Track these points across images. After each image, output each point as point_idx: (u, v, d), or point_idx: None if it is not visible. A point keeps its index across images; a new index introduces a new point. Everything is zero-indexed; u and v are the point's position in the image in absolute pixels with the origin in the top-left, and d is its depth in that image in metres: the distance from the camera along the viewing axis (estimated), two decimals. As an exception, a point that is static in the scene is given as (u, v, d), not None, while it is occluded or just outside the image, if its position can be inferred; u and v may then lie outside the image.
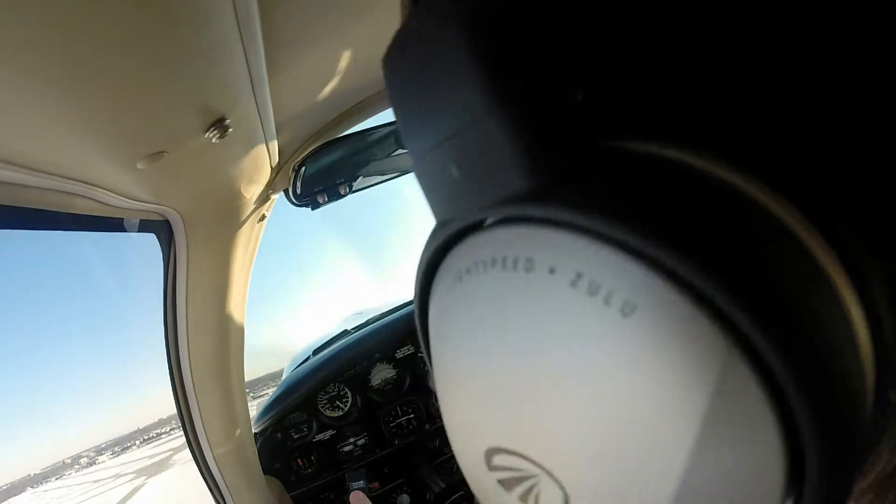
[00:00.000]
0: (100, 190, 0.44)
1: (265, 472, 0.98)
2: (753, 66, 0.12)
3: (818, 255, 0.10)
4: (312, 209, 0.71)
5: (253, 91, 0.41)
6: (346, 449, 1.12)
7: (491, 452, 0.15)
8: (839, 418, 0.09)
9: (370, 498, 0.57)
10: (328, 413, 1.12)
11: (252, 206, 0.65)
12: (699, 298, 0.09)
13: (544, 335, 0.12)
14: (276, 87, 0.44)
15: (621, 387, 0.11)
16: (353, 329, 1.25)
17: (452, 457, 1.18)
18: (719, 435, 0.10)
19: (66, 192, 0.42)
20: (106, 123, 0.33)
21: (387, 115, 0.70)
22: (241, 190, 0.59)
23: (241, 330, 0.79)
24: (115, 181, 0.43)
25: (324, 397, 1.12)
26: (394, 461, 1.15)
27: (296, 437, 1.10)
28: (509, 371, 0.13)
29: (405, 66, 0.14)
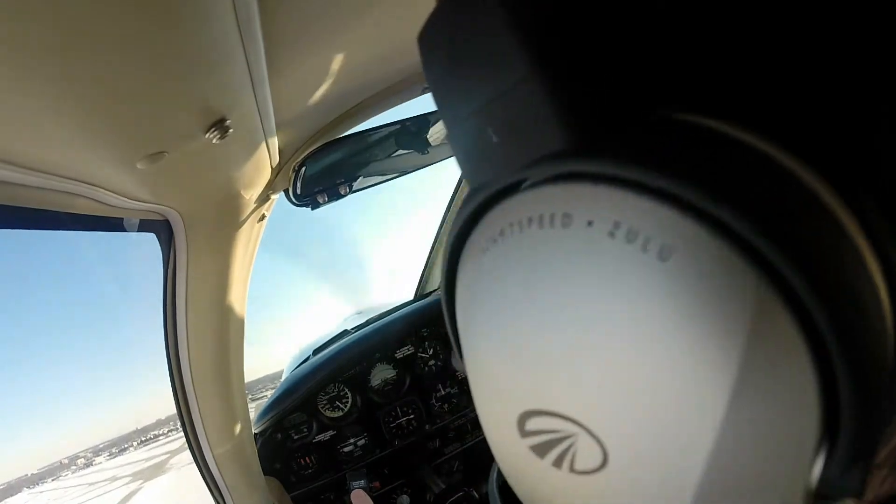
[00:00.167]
0: (100, 190, 0.44)
1: (265, 473, 0.98)
2: (780, 47, 0.12)
3: (841, 215, 0.10)
4: (312, 209, 0.71)
5: (253, 91, 0.41)
6: (346, 449, 1.12)
7: (525, 417, 0.15)
8: (872, 359, 0.10)
9: (371, 498, 0.57)
10: (328, 413, 1.12)
11: (252, 206, 0.65)
12: (735, 239, 0.10)
13: (582, 288, 0.12)
14: (276, 87, 0.44)
15: (659, 332, 0.11)
16: (353, 329, 1.25)
17: (452, 457, 1.19)
18: (756, 378, 0.10)
19: (66, 192, 0.42)
20: (106, 123, 0.33)
21: (387, 116, 0.70)
22: (241, 190, 0.59)
23: (241, 330, 0.79)
24: (115, 181, 0.43)
25: (324, 398, 1.12)
26: (394, 462, 1.15)
27: (296, 437, 1.10)
28: (546, 329, 0.13)
29: (444, 39, 0.15)
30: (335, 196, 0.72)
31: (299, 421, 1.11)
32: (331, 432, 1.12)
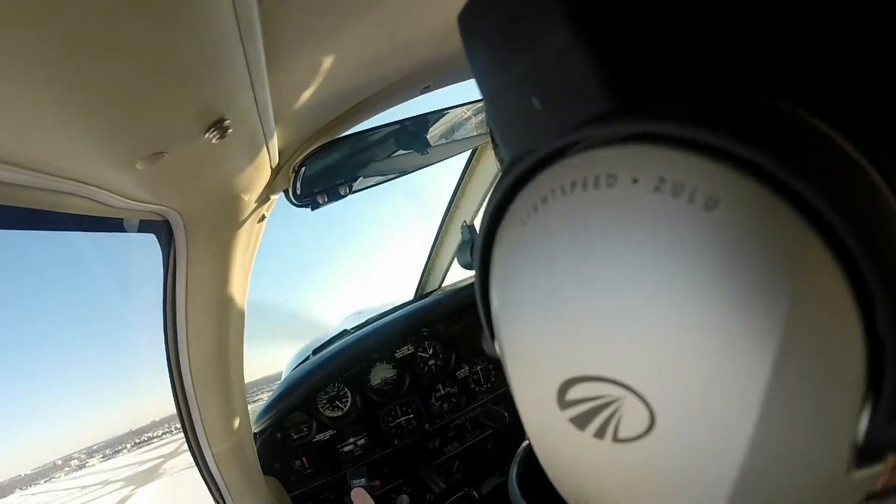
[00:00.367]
0: (100, 190, 0.44)
1: (265, 473, 0.98)
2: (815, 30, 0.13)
3: (873, 173, 0.11)
4: (312, 209, 0.71)
5: (253, 91, 0.41)
6: (346, 449, 1.12)
7: (566, 386, 0.15)
8: None
9: (371, 497, 0.57)
10: (328, 413, 1.12)
11: (252, 207, 0.65)
12: (779, 187, 0.10)
13: (629, 245, 0.12)
14: (275, 86, 0.44)
15: (706, 284, 0.11)
16: (353, 329, 1.25)
17: (452, 457, 1.19)
18: (801, 328, 0.10)
19: (66, 193, 0.42)
20: (106, 124, 0.33)
21: (387, 116, 0.70)
22: (241, 190, 0.59)
23: (241, 330, 0.79)
24: (114, 181, 0.43)
25: (323, 397, 1.12)
26: (393, 461, 1.15)
27: (295, 437, 1.10)
28: (591, 291, 0.13)
29: (487, 15, 0.15)
30: (335, 196, 0.72)
31: (299, 420, 1.11)
32: (330, 432, 1.12)
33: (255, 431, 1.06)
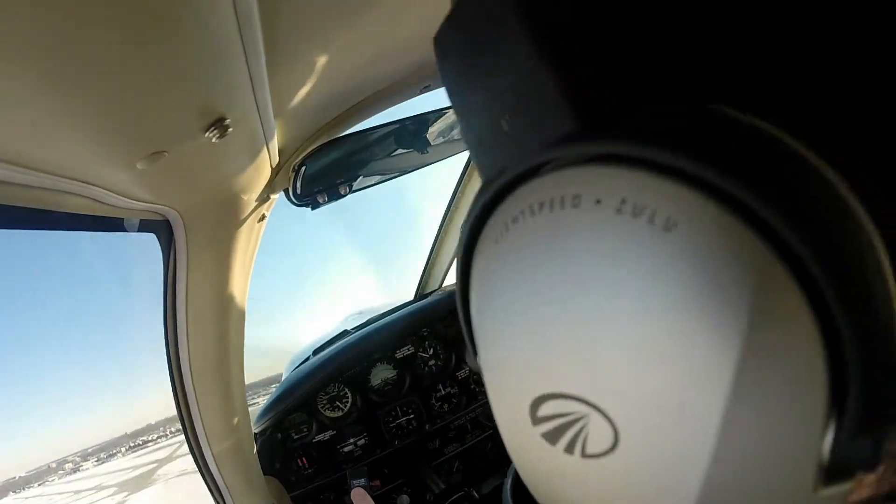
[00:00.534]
0: (100, 190, 0.44)
1: (265, 473, 0.97)
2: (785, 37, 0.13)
3: (840, 187, 0.10)
4: (312, 209, 0.71)
5: (253, 91, 0.41)
6: (346, 449, 1.12)
7: (537, 402, 0.15)
8: (876, 320, 0.10)
9: (371, 497, 0.56)
10: (328, 413, 1.12)
11: (252, 206, 0.65)
12: (736, 206, 0.10)
13: (591, 266, 0.12)
14: (275, 86, 0.44)
15: (665, 303, 0.11)
16: (353, 329, 1.25)
17: (452, 457, 1.19)
18: (761, 347, 0.10)
19: (66, 192, 0.42)
20: (106, 123, 0.33)
21: (386, 115, 0.70)
22: (241, 190, 0.59)
23: (241, 330, 0.79)
24: (114, 181, 0.43)
25: (324, 397, 1.12)
26: (394, 461, 1.15)
27: (296, 437, 1.10)
28: (557, 311, 0.13)
29: (460, 38, 0.16)
30: (335, 196, 0.72)
31: (299, 421, 1.11)
32: (331, 432, 1.12)
33: (256, 432, 1.06)
